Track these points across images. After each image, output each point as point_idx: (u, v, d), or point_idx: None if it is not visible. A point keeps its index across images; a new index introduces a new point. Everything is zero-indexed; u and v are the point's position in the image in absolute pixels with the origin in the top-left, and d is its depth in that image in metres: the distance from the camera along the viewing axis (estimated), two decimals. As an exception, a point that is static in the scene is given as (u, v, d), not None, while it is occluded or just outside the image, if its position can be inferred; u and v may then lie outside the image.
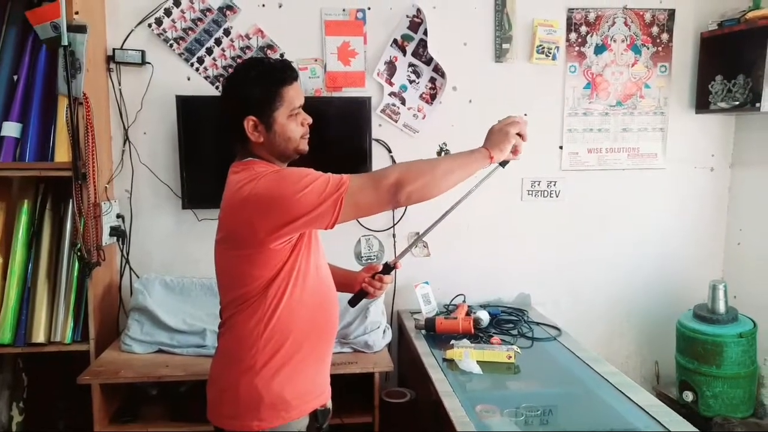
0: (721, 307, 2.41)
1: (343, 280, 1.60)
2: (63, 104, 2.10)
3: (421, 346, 2.15)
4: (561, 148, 2.64)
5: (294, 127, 1.41)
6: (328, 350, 1.50)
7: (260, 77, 1.38)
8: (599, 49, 2.62)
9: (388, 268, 1.55)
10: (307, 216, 1.27)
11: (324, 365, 1.48)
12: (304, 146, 1.45)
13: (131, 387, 2.29)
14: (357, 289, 1.57)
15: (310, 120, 1.44)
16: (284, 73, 1.39)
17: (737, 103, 2.48)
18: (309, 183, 1.28)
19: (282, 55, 2.45)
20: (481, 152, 1.40)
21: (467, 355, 1.96)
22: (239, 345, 1.38)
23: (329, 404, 1.52)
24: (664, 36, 2.64)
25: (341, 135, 2.46)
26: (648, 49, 2.64)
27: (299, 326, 1.38)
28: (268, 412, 1.36)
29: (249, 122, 1.37)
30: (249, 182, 1.31)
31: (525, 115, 2.48)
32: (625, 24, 2.62)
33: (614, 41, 2.63)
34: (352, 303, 1.59)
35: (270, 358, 1.36)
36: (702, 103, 2.63)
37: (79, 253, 2.13)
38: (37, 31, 2.07)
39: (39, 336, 2.13)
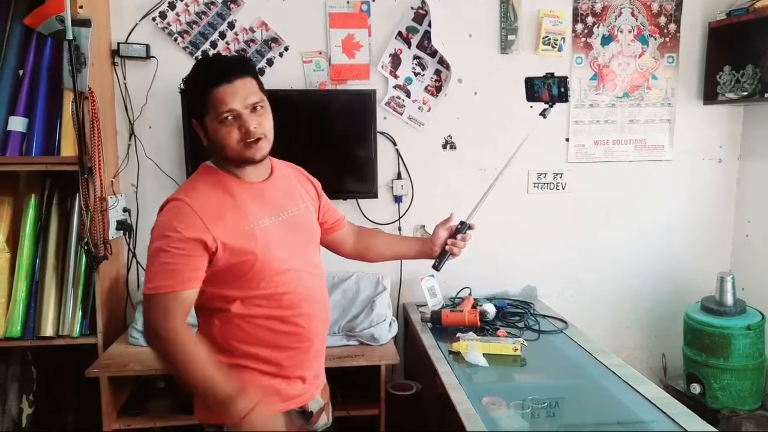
0: (729, 299, 2.40)
1: (418, 250, 1.59)
2: (68, 99, 2.10)
3: (427, 339, 2.15)
4: (567, 140, 2.62)
5: (225, 133, 1.27)
6: (299, 361, 1.37)
7: (192, 80, 1.32)
8: (606, 40, 2.60)
9: (466, 227, 1.52)
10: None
11: (295, 374, 1.37)
12: (249, 153, 1.29)
13: (139, 380, 2.31)
14: (438, 251, 1.54)
15: (248, 126, 1.27)
16: (211, 75, 1.27)
17: (746, 93, 2.46)
18: (156, 258, 1.24)
19: (286, 48, 2.45)
20: (219, 396, 1.22)
21: (473, 348, 1.96)
22: (201, 338, 1.35)
23: (312, 406, 1.43)
24: (672, 26, 2.62)
25: (346, 128, 2.46)
26: (655, 39, 2.62)
27: (260, 338, 1.32)
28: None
29: (196, 126, 1.34)
30: (169, 200, 1.30)
31: (531, 107, 2.48)
32: (632, 14, 2.60)
33: (621, 32, 2.60)
34: (437, 266, 1.56)
35: (228, 354, 1.32)
36: (710, 94, 2.61)
37: (86, 247, 2.14)
38: (42, 31, 2.05)
39: (47, 329, 2.15)
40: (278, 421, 1.26)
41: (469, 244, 1.55)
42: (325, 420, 1.50)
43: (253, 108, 1.29)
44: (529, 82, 1.58)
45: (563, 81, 1.51)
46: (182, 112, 2.35)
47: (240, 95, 1.27)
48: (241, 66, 1.31)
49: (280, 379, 1.36)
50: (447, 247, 1.53)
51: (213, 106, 1.27)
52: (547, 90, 1.54)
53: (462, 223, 1.53)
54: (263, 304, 1.32)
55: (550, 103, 1.54)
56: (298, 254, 1.37)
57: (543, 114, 1.53)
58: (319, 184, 1.57)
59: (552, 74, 1.53)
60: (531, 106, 2.46)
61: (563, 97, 1.50)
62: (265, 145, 1.32)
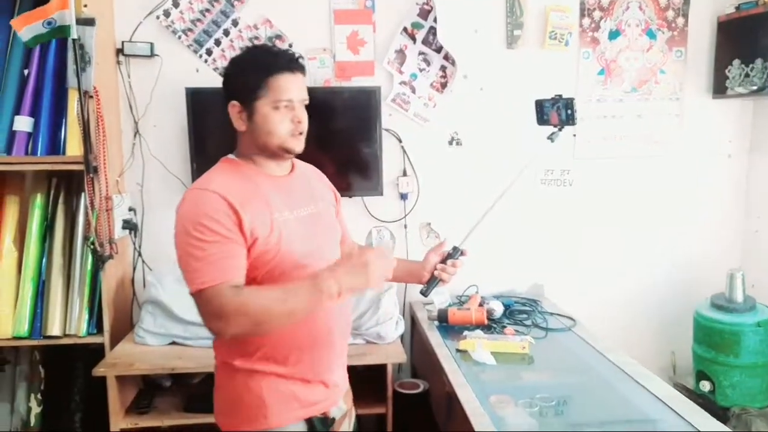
0: (739, 296, 2.37)
1: (408, 271, 1.52)
2: (73, 98, 2.10)
3: (434, 338, 2.14)
4: (574, 135, 2.60)
5: (278, 120, 1.28)
6: (318, 365, 1.35)
7: (250, 62, 1.31)
8: (613, 35, 2.57)
9: (458, 252, 1.44)
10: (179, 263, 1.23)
11: (315, 379, 1.35)
12: (293, 145, 1.31)
13: (146, 379, 2.31)
14: (428, 277, 1.47)
15: (301, 118, 1.30)
16: (276, 60, 1.28)
17: (755, 87, 2.42)
18: (193, 255, 1.20)
19: (290, 45, 2.43)
20: (328, 286, 1.17)
21: (480, 346, 1.95)
22: (219, 347, 1.36)
23: (334, 413, 1.40)
24: (680, 20, 2.59)
25: (351, 125, 2.45)
26: (663, 33, 2.59)
27: (275, 338, 1.28)
28: (253, 413, 1.30)
29: (233, 108, 1.30)
30: (190, 191, 1.26)
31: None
32: (640, 8, 2.57)
33: (628, 26, 2.57)
34: (425, 292, 1.48)
35: (247, 358, 1.30)
36: (719, 88, 2.58)
37: (92, 247, 2.14)
38: (23, 36, 1.95)
39: (54, 329, 2.15)
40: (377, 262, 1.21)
41: (459, 270, 1.46)
42: (347, 427, 1.46)
43: (302, 103, 1.32)
44: (539, 106, 1.56)
45: (570, 103, 1.48)
46: (187, 110, 2.35)
47: (298, 87, 1.30)
48: (300, 62, 1.33)
49: (301, 384, 1.33)
50: (436, 273, 1.45)
51: (272, 92, 1.27)
52: (556, 112, 1.52)
53: (454, 248, 1.46)
54: None
55: (560, 127, 1.50)
56: (317, 251, 1.35)
57: (551, 138, 1.49)
58: (337, 193, 1.55)
59: (560, 96, 1.50)
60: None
61: (570, 119, 1.47)
62: (303, 141, 1.34)
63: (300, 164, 1.46)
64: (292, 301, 1.18)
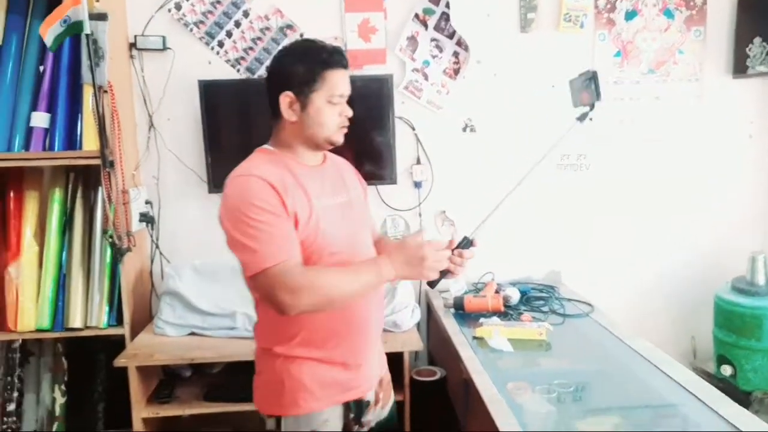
0: (761, 279, 2.34)
1: None
2: (88, 93, 2.12)
3: (450, 325, 2.14)
4: (591, 119, 2.53)
5: (330, 113, 1.34)
6: (354, 351, 1.39)
7: (305, 54, 1.34)
8: (629, 15, 2.52)
9: (468, 242, 1.41)
10: (233, 249, 1.27)
11: (351, 364, 1.38)
12: (338, 137, 1.38)
13: (166, 369, 2.35)
14: None
15: (349, 113, 1.37)
16: (332, 56, 1.34)
17: (778, 65, 2.37)
18: (249, 235, 1.23)
19: (302, 35, 2.43)
20: (387, 272, 1.26)
21: (497, 333, 1.94)
22: (260, 332, 1.40)
23: (369, 396, 1.44)
24: (699, -2, 2.52)
25: (363, 114, 2.39)
26: (681, 12, 2.53)
27: (313, 324, 1.32)
28: (292, 397, 1.33)
29: (285, 98, 1.33)
30: (233, 177, 1.30)
31: (552, 87, 2.44)
32: (657, -13, 2.51)
33: (645, 6, 2.52)
34: (432, 284, 1.43)
35: (286, 344, 1.33)
36: (739, 68, 2.52)
37: (110, 240, 2.17)
38: (47, 41, 1.99)
39: (76, 321, 2.19)
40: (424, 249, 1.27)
41: (470, 261, 1.41)
42: (383, 413, 1.51)
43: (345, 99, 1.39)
44: (574, 85, 1.53)
45: (595, 77, 1.44)
46: (200, 102, 2.36)
47: (347, 83, 1.37)
48: (346, 58, 1.39)
49: (338, 369, 1.37)
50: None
51: (328, 85, 1.32)
52: (586, 91, 1.48)
53: (464, 238, 1.41)
54: None
55: (591, 106, 1.46)
56: (351, 237, 1.39)
57: (581, 119, 1.45)
58: (365, 184, 1.58)
59: (588, 71, 1.47)
60: (553, 86, 2.41)
61: (598, 95, 1.43)
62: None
63: (330, 155, 1.49)
64: (358, 281, 1.26)
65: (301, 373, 1.33)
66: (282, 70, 1.35)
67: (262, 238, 1.22)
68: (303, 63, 1.33)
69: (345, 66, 1.36)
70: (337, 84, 1.33)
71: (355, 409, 1.41)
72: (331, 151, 1.46)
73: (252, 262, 1.23)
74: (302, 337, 1.33)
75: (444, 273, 1.38)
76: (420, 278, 1.29)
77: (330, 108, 1.34)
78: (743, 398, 2.25)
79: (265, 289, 1.24)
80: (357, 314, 1.37)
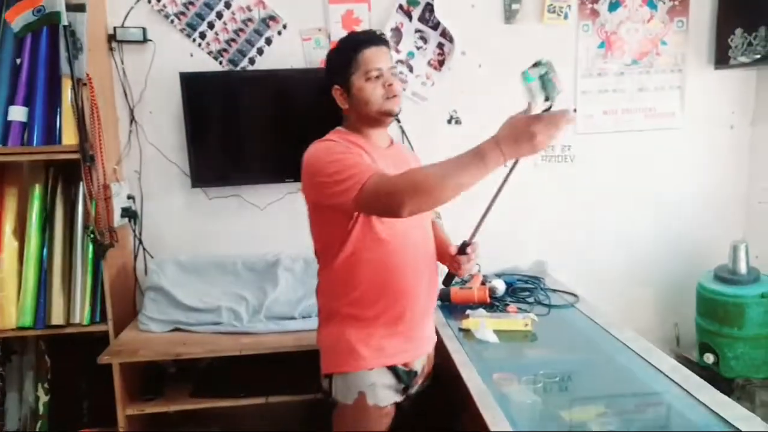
0: (743, 268, 2.37)
1: (441, 250, 1.65)
2: (67, 86, 2.08)
3: (437, 317, 2.14)
4: (575, 110, 2.57)
5: (371, 89, 1.45)
6: (402, 315, 1.49)
7: (340, 48, 1.50)
8: (613, 6, 2.53)
9: (464, 247, 1.57)
10: (328, 199, 1.38)
11: (399, 328, 1.50)
12: (390, 106, 1.48)
13: (151, 366, 2.32)
14: (447, 261, 1.63)
15: (392, 82, 1.47)
16: (360, 37, 1.49)
17: (759, 56, 2.38)
18: (337, 170, 1.36)
19: (285, 26, 2.40)
20: (494, 156, 1.27)
21: (483, 325, 1.95)
22: (320, 295, 1.55)
23: (416, 366, 1.56)
24: (681, -11, 2.54)
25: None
26: (664, 3, 2.54)
27: (364, 285, 1.45)
28: (342, 357, 1.47)
29: (336, 91, 1.49)
30: (311, 147, 1.44)
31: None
32: (640, -22, 2.52)
33: (628, -4, 2.52)
34: (445, 283, 1.64)
35: (339, 309, 1.48)
36: (721, 59, 2.54)
37: (92, 236, 2.14)
38: (15, 27, 1.99)
39: (58, 318, 2.16)
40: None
41: (474, 257, 1.60)
42: (422, 386, 1.63)
43: (391, 71, 1.49)
44: (524, 80, 1.56)
45: (546, 67, 1.42)
46: (182, 95, 2.32)
47: (384, 57, 1.48)
48: (383, 37, 1.53)
49: (387, 331, 1.46)
50: (447, 265, 1.63)
51: (361, 65, 1.45)
52: (540, 85, 1.48)
53: (463, 242, 1.57)
54: (373, 248, 1.44)
55: (549, 103, 1.43)
56: (417, 217, 1.42)
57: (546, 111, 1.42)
58: None
59: (539, 62, 1.47)
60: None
61: (550, 92, 1.42)
62: (399, 103, 1.51)
63: (396, 140, 1.65)
64: (459, 167, 1.27)
65: (351, 334, 1.46)
66: (328, 68, 1.53)
67: (348, 170, 1.33)
68: (338, 54, 1.50)
69: (377, 43, 1.47)
70: (368, 60, 1.45)
71: (404, 376, 1.51)
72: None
73: (347, 190, 1.32)
74: (354, 297, 1.46)
75: (453, 275, 1.59)
76: (533, 153, 1.26)
77: (369, 84, 1.45)
78: (726, 386, 2.29)
79: (370, 202, 1.32)
80: (408, 282, 1.48)
